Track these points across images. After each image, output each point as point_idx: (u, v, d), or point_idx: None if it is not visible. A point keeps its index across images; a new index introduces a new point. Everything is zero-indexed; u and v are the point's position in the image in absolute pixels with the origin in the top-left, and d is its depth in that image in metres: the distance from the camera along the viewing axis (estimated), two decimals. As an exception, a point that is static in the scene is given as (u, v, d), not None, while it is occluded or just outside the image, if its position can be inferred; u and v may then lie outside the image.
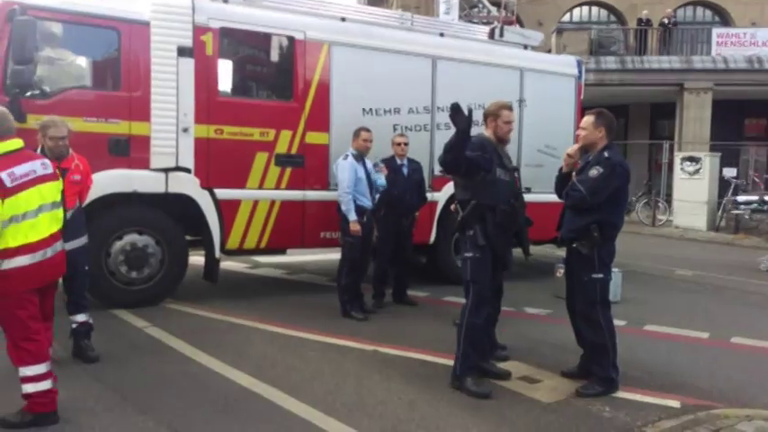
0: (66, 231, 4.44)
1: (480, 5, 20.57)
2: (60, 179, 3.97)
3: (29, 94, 5.62)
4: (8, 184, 3.45)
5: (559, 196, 4.54)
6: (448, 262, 7.67)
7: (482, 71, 7.77)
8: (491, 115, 4.46)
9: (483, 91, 7.55)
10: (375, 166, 6.36)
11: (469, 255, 4.31)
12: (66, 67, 6.38)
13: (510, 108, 4.46)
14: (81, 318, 4.74)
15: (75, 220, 4.59)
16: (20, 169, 3.54)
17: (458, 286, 7.10)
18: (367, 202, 6.24)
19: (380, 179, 6.36)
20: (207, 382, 4.36)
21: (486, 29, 8.65)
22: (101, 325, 5.10)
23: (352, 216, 6.07)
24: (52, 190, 3.76)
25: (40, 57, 5.79)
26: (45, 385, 3.62)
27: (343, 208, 6.09)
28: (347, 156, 6.22)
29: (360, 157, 6.27)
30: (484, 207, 4.29)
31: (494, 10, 20.44)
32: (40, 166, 3.70)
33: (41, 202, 3.64)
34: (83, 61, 6.43)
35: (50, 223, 3.71)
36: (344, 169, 6.12)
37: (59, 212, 3.83)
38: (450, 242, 7.60)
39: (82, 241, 4.67)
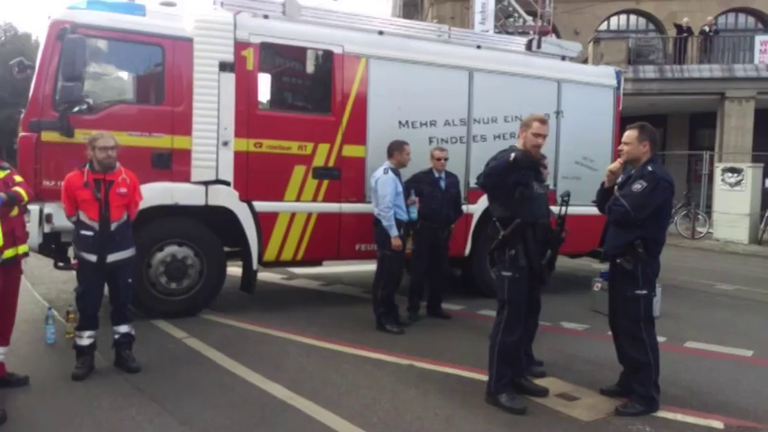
0: (112, 243, 4.59)
1: (516, 15, 20.49)
2: None
3: (76, 109, 5.79)
4: None
5: (601, 211, 4.47)
6: (483, 275, 7.62)
7: (519, 83, 7.74)
8: (523, 125, 4.43)
9: (520, 103, 7.59)
10: (408, 197, 6.36)
11: (508, 274, 4.26)
12: (111, 83, 6.58)
13: (542, 121, 4.38)
14: (123, 329, 4.82)
15: (121, 232, 4.68)
16: None
17: (493, 300, 7.14)
18: (404, 215, 6.26)
19: (414, 212, 6.37)
20: (244, 394, 4.39)
21: (524, 40, 8.61)
22: (141, 335, 5.19)
23: (395, 231, 6.07)
24: None
25: (88, 72, 5.96)
26: None
27: (386, 224, 6.08)
28: (387, 170, 6.21)
29: (397, 171, 6.30)
30: (525, 224, 4.24)
31: (529, 19, 20.33)
32: None
33: None
34: (128, 77, 6.61)
35: None
36: (387, 184, 6.11)
37: None
38: (484, 255, 7.52)
39: (127, 254, 4.74)
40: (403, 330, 6.15)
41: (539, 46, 8.34)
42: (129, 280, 4.80)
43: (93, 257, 4.61)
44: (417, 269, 6.71)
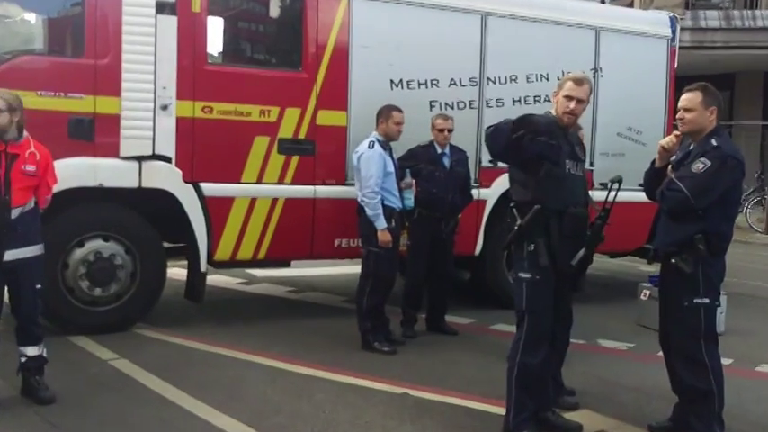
0: (13, 236, 4.53)
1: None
2: None
3: (-29, 60, 5.70)
4: None
5: (651, 197, 4.48)
6: (499, 279, 7.64)
7: (546, 32, 7.77)
8: (557, 87, 4.42)
9: (547, 57, 7.62)
10: (403, 179, 6.37)
11: (526, 276, 4.25)
12: (15, 28, 6.47)
13: (577, 81, 4.34)
14: (32, 351, 4.75)
15: (26, 223, 4.61)
16: None
17: (512, 311, 7.16)
18: (396, 203, 6.28)
19: (409, 199, 6.39)
20: (190, 432, 4.37)
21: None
22: (56, 356, 5.11)
23: (382, 223, 6.08)
24: None
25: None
26: None
27: (370, 212, 6.09)
28: (372, 143, 6.21)
29: (387, 144, 6.31)
30: (549, 212, 4.21)
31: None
32: None
33: None
34: (36, 20, 6.46)
35: None
36: (371, 162, 6.11)
37: None
38: (500, 254, 7.50)
39: (33, 251, 4.67)
40: (396, 350, 6.16)
41: (572, -17, 8.34)
42: (38, 286, 4.73)
43: None
44: (414, 271, 6.73)
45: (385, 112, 6.31)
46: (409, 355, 6.13)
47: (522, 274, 4.26)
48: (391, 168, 6.23)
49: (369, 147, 6.18)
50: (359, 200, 6.22)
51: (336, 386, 5.27)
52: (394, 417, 4.71)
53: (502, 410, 4.47)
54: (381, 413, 4.76)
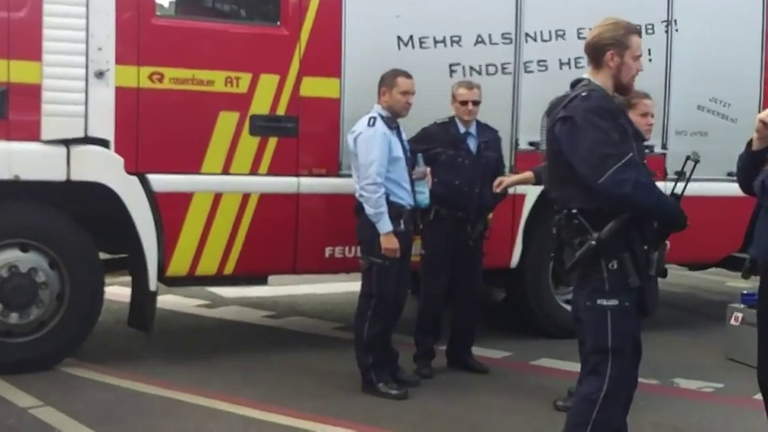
0: None
1: None
2: None
3: None
4: None
5: (747, 190, 4.45)
6: (543, 300, 7.64)
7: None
8: (615, 45, 4.32)
9: (600, 7, 7.41)
10: (414, 168, 6.37)
11: (611, 303, 4.17)
12: None
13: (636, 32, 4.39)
14: None
15: None
16: None
17: (557, 341, 7.14)
18: (406, 198, 6.26)
19: (423, 194, 6.39)
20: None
21: None
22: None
23: (386, 225, 6.04)
24: None
25: None
26: None
27: (371, 210, 6.06)
28: (373, 120, 6.19)
29: (393, 120, 6.28)
30: (634, 219, 4.17)
31: None
32: None
33: None
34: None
35: None
36: (372, 144, 6.09)
37: None
38: (546, 266, 7.58)
39: None
40: (407, 393, 6.13)
41: None
42: None
43: None
44: (430, 290, 6.73)
45: (388, 79, 6.29)
46: (425, 399, 6.09)
47: (604, 301, 4.17)
48: (399, 153, 6.23)
49: (368, 124, 6.18)
50: (357, 195, 6.23)
51: (329, 442, 5.25)
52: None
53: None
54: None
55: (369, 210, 6.08)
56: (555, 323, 7.54)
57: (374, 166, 6.05)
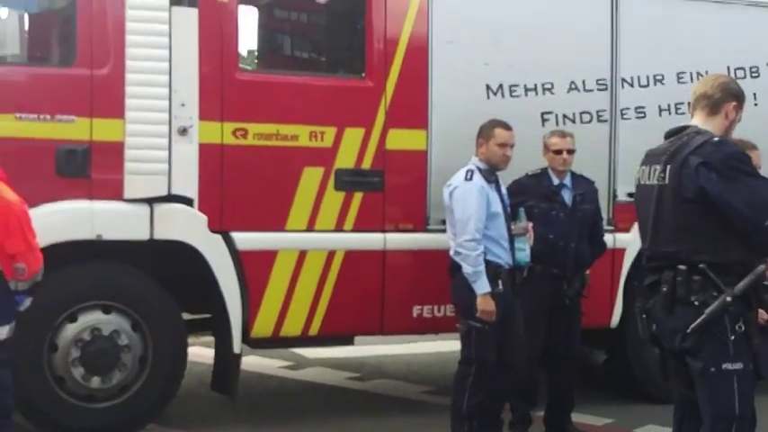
0: None
1: None
2: None
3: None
4: None
5: None
6: (646, 361, 7.25)
7: (705, 13, 7.57)
8: (739, 98, 4.25)
9: (708, 48, 7.39)
10: (515, 220, 6.23)
11: (738, 367, 3.98)
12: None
13: None
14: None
15: None
16: None
17: (662, 405, 6.65)
18: (505, 257, 6.11)
19: (524, 251, 6.20)
20: None
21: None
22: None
23: (483, 285, 5.88)
24: None
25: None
26: None
27: (469, 269, 5.91)
28: (471, 173, 6.06)
29: (492, 173, 6.15)
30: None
31: None
32: None
33: None
34: (14, 19, 6.44)
35: None
36: (469, 198, 5.96)
37: None
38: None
39: None
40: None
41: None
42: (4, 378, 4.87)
43: None
44: (527, 351, 6.44)
45: (486, 130, 6.18)
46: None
47: (729, 365, 3.99)
48: (498, 208, 6.10)
49: (465, 178, 6.06)
50: (452, 253, 6.08)
51: None
52: None
53: None
54: None
55: (466, 269, 5.95)
56: (660, 386, 7.05)
57: (472, 221, 5.93)
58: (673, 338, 4.10)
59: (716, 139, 4.05)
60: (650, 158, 4.32)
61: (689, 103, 7.15)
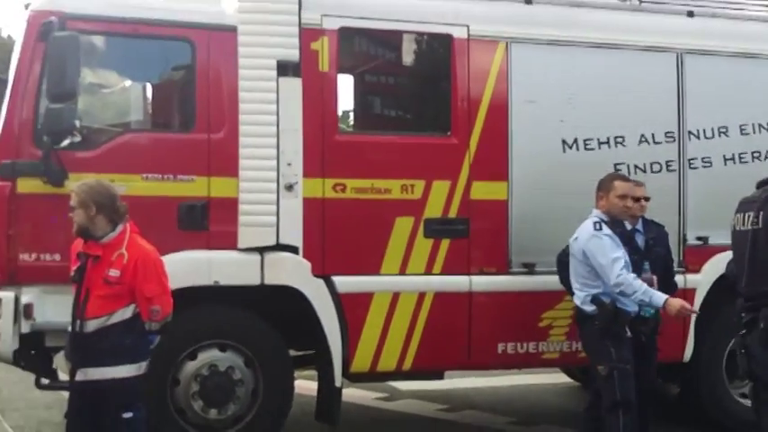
0: (86, 353, 4.83)
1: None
2: None
3: (67, 143, 6.19)
4: None
5: None
6: (718, 394, 7.39)
7: (765, 70, 7.61)
8: None
9: (762, 105, 7.47)
10: (639, 273, 6.08)
11: None
12: (116, 100, 7.02)
13: None
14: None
15: (110, 337, 4.86)
16: None
17: None
18: (631, 306, 6.05)
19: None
20: None
21: (766, -1, 8.45)
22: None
23: (659, 296, 5.82)
24: None
25: (82, 86, 6.32)
26: None
27: (637, 294, 5.80)
28: (599, 224, 5.97)
29: (614, 224, 6.10)
30: None
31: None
32: None
33: None
34: (140, 90, 6.99)
35: None
36: (607, 243, 5.86)
37: None
38: (719, 359, 7.33)
39: (119, 372, 4.87)
40: None
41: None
42: (127, 414, 4.89)
43: (69, 370, 4.97)
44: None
45: (606, 184, 6.18)
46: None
47: None
48: (626, 257, 5.96)
49: (595, 228, 5.97)
50: (579, 303, 6.07)
51: None
52: None
53: None
54: None
55: (636, 296, 5.85)
56: (730, 417, 7.25)
57: (619, 262, 5.81)
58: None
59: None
60: (744, 206, 4.38)
61: (753, 153, 7.49)
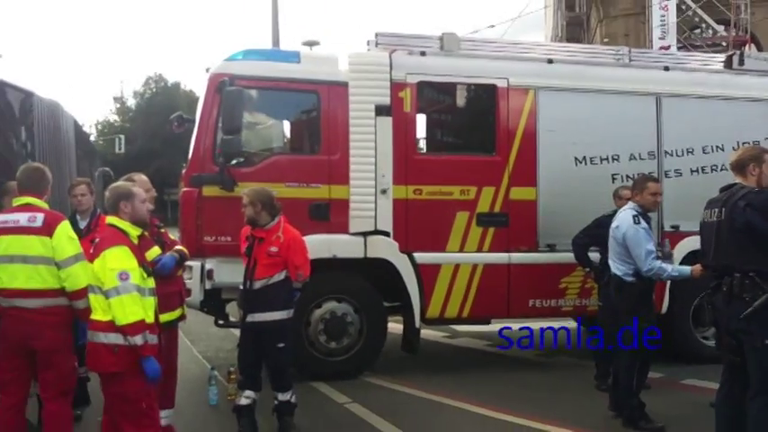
0: (255, 303, 4.89)
1: (703, 26, 19.55)
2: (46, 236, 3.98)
3: (234, 162, 6.33)
4: None
5: None
6: (685, 336, 7.14)
7: (720, 107, 7.35)
8: (755, 160, 4.12)
9: (720, 130, 7.22)
10: (662, 248, 5.60)
11: None
12: (268, 133, 7.14)
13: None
14: (281, 396, 4.98)
15: (268, 292, 4.90)
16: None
17: (698, 366, 6.64)
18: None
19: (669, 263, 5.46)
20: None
21: (721, 57, 8.14)
22: (302, 399, 5.29)
23: (684, 269, 5.27)
24: (25, 243, 3.96)
25: (245, 123, 6.50)
26: None
27: (668, 274, 5.32)
28: (637, 218, 5.29)
29: (647, 215, 5.47)
30: None
31: (721, 29, 19.28)
32: (27, 218, 4.00)
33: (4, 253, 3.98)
34: (284, 126, 7.12)
35: (17, 277, 3.96)
36: (642, 236, 5.23)
37: (42, 269, 3.96)
38: (687, 312, 7.07)
39: (272, 316, 4.89)
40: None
41: (741, 62, 7.77)
42: (281, 345, 4.92)
43: (240, 315, 5.03)
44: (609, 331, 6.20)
45: (639, 184, 5.56)
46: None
47: None
48: (653, 247, 5.33)
49: (634, 221, 5.29)
50: (620, 273, 5.39)
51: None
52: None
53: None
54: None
55: (667, 276, 5.40)
56: (694, 353, 7.04)
57: (651, 254, 5.22)
58: (729, 322, 4.01)
59: (756, 189, 4.00)
60: (711, 204, 4.21)
61: (711, 166, 7.24)
